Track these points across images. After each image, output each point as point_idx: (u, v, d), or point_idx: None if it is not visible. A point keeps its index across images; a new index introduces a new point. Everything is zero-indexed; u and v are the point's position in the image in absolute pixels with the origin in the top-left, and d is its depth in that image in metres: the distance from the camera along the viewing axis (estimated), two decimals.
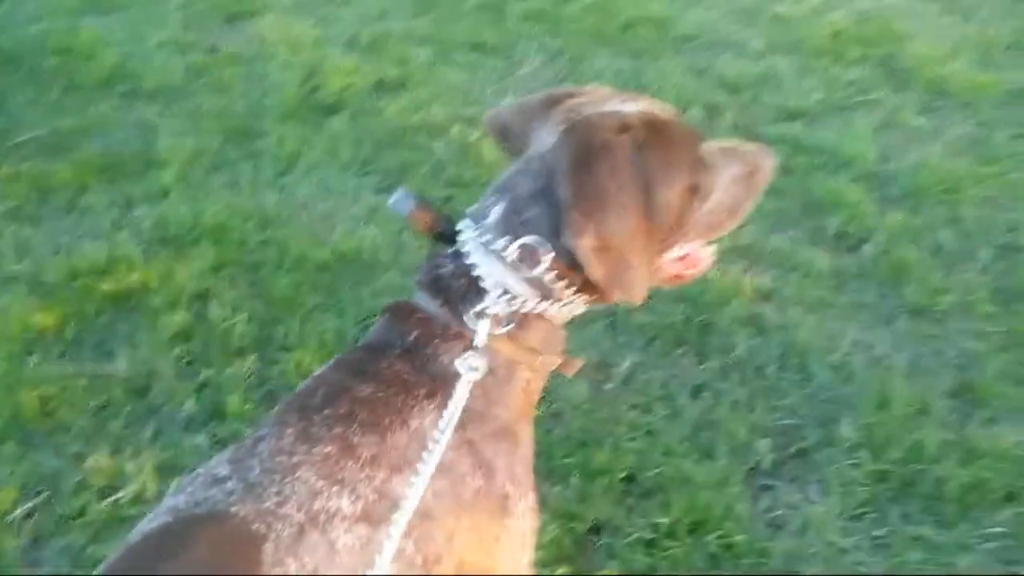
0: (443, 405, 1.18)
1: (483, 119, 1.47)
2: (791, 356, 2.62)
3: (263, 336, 2.61)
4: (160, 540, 1.11)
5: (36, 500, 2.16)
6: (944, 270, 2.98)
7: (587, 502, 2.17)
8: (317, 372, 1.29)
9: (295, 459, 1.15)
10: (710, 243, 1.43)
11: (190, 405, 2.39)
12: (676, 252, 1.37)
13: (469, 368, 1.20)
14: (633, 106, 1.31)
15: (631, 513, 2.16)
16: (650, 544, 2.09)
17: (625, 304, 1.27)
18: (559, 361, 1.32)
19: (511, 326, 1.23)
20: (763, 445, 2.34)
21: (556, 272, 1.22)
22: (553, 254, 1.21)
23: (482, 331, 1.21)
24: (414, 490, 1.12)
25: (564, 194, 1.19)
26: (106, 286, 2.74)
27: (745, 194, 1.38)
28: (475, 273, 1.23)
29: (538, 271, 1.22)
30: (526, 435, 1.30)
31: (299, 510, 1.11)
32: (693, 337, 2.67)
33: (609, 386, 2.52)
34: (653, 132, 1.26)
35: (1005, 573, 2.10)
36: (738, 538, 2.09)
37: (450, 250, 1.28)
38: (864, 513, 2.19)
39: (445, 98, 3.83)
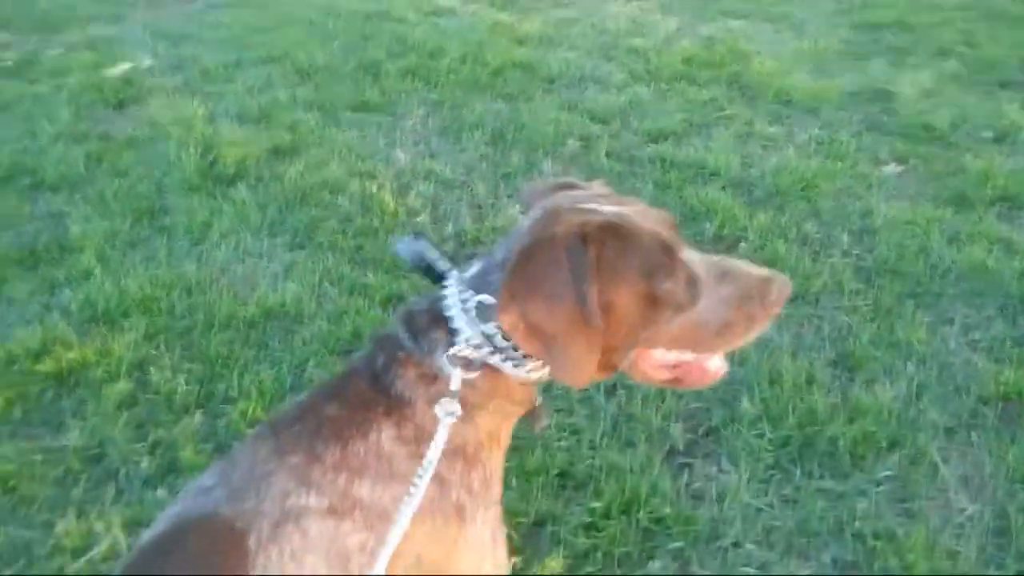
0: (400, 423, 1.33)
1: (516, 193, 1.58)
2: None
3: (206, 393, 2.66)
4: (163, 541, 1.28)
5: (13, 569, 2.19)
6: (812, 257, 3.20)
7: (528, 499, 2.30)
8: (298, 397, 1.44)
9: (270, 467, 1.31)
10: (717, 356, 1.41)
11: (146, 464, 2.43)
12: (663, 356, 1.37)
13: (446, 413, 1.30)
14: (611, 207, 1.35)
15: (569, 503, 2.30)
16: (589, 527, 2.23)
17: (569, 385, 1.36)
18: (520, 411, 1.42)
19: (478, 373, 1.33)
20: (676, 429, 2.52)
21: (503, 334, 1.33)
22: None
23: (456, 378, 1.31)
24: (405, 506, 1.26)
25: (505, 272, 1.28)
26: (45, 367, 2.74)
27: (737, 316, 1.33)
28: (445, 315, 1.35)
29: (489, 327, 1.32)
30: (488, 460, 1.40)
31: (274, 507, 1.27)
32: None
33: None
34: (608, 234, 1.29)
35: (898, 511, 2.28)
36: (666, 511, 2.25)
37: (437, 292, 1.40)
38: (772, 476, 2.38)
39: (340, 157, 3.91)
